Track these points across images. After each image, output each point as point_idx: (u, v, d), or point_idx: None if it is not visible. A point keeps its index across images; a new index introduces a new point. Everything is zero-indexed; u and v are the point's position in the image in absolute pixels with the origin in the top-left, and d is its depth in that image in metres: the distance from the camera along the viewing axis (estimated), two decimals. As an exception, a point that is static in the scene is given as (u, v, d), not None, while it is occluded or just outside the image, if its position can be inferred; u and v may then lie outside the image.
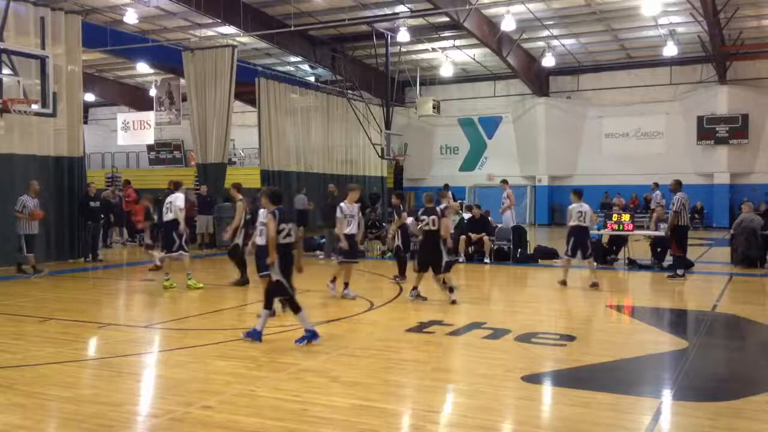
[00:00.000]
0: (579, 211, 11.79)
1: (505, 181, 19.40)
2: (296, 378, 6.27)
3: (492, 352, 7.29)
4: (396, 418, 5.40)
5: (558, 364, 6.95)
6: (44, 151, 15.53)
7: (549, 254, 16.08)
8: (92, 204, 16.05)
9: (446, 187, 23.45)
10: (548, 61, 27.33)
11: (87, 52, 19.91)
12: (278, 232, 7.46)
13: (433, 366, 6.98)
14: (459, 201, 21.65)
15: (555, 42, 26.71)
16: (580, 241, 11.88)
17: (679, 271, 12.89)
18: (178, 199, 11.76)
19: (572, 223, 11.84)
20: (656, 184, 25.32)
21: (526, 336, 7.85)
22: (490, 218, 16.50)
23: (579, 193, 12.15)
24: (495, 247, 15.79)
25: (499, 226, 16.89)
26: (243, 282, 12.04)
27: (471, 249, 15.83)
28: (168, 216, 11.77)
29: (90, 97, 31.95)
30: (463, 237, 15.56)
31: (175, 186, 12.15)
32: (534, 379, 6.24)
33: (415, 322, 8.68)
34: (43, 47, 14.04)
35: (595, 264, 11.94)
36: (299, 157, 25.53)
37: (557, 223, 29.71)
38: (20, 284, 12.64)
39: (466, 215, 16.65)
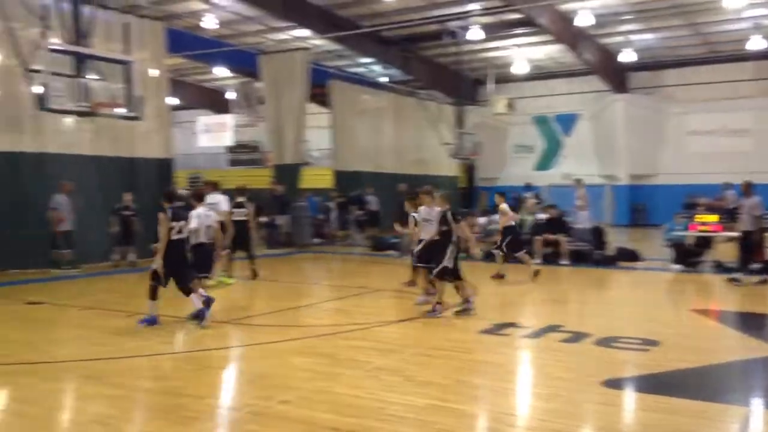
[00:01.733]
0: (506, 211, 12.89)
1: (578, 181, 18.98)
2: (372, 376, 6.32)
3: (570, 356, 7.13)
4: (471, 420, 5.36)
5: (640, 369, 6.74)
6: (132, 153, 16.20)
7: (630, 256, 15.59)
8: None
9: (528, 186, 23.36)
10: (626, 57, 26.55)
11: (169, 57, 20.64)
12: (170, 228, 8.34)
13: (509, 368, 6.90)
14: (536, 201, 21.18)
15: (633, 37, 25.90)
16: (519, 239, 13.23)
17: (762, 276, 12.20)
18: (222, 203, 11.80)
19: (510, 222, 12.82)
20: (728, 184, 24.22)
21: (606, 340, 7.64)
22: (566, 219, 16.16)
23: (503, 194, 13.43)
24: (573, 249, 15.43)
25: (577, 226, 16.51)
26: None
27: (548, 250, 15.52)
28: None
29: (173, 100, 33.05)
30: (539, 238, 15.30)
31: (214, 187, 12.18)
32: (614, 384, 6.07)
33: (490, 323, 8.58)
34: (127, 53, 14.65)
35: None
36: (371, 157, 25.71)
37: (639, 224, 28.81)
38: (106, 280, 13.22)
39: (542, 216, 16.34)
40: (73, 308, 10.29)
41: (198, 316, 8.43)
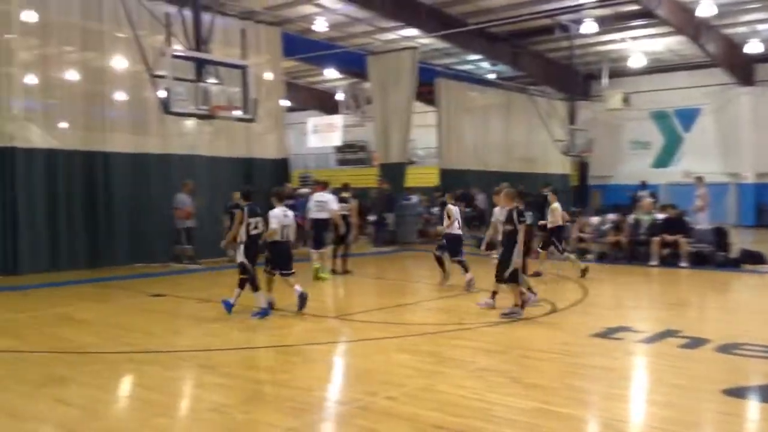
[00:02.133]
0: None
1: (699, 179, 17.95)
2: (476, 376, 6.26)
3: (688, 363, 6.76)
4: (579, 424, 5.20)
5: (765, 377, 6.30)
6: (248, 154, 16.94)
7: (756, 258, 14.57)
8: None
9: (643, 185, 22.69)
10: (753, 48, 24.81)
11: (283, 60, 21.34)
12: (247, 224, 8.88)
13: (621, 373, 6.63)
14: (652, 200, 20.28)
15: (760, 27, 24.15)
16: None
17: None
18: (330, 201, 12.56)
19: (558, 223, 12.52)
20: None
21: (728, 346, 7.18)
22: (686, 219, 15.33)
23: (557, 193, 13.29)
24: (693, 250, 14.60)
25: (697, 227, 15.63)
26: None
27: (666, 252, 14.76)
28: (321, 214, 12.60)
29: (285, 102, 34.16)
30: (656, 239, 14.60)
31: (324, 186, 13.01)
32: (737, 393, 5.70)
33: (602, 327, 8.27)
34: (245, 57, 15.30)
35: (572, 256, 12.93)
36: (478, 155, 25.45)
37: (765, 224, 26.91)
38: (222, 275, 13.80)
39: (659, 216, 15.57)
40: (191, 301, 10.89)
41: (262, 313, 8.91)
